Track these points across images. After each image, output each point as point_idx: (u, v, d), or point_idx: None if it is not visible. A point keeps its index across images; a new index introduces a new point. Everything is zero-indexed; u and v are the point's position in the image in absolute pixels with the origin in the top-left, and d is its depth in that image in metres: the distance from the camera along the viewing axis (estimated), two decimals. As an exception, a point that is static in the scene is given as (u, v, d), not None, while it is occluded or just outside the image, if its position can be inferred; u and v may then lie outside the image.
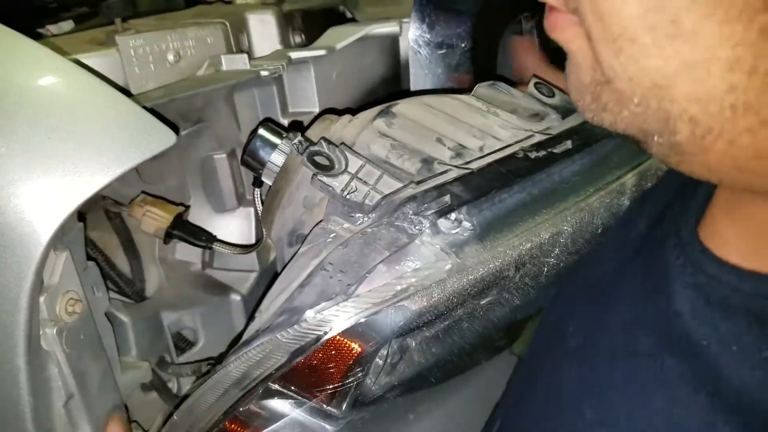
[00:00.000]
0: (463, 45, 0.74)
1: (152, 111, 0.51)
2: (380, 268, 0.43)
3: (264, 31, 0.77)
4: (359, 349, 0.45)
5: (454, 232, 0.44)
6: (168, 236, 0.69)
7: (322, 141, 0.50)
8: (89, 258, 0.56)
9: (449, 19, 0.74)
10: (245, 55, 0.67)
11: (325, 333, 0.43)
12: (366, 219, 0.47)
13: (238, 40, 0.73)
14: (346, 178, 0.48)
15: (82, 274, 0.52)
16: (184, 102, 0.66)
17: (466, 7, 0.74)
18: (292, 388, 0.49)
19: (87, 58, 0.62)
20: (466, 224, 0.44)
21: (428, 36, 0.74)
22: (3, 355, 0.45)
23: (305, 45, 0.82)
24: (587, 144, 0.53)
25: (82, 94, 0.48)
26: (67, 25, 0.89)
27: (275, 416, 0.52)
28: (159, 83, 0.65)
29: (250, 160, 0.60)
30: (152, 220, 0.68)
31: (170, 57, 0.66)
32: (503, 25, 0.81)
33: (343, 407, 0.51)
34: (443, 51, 0.75)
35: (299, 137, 0.55)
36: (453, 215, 0.44)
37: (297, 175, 0.57)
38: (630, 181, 0.54)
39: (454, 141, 0.54)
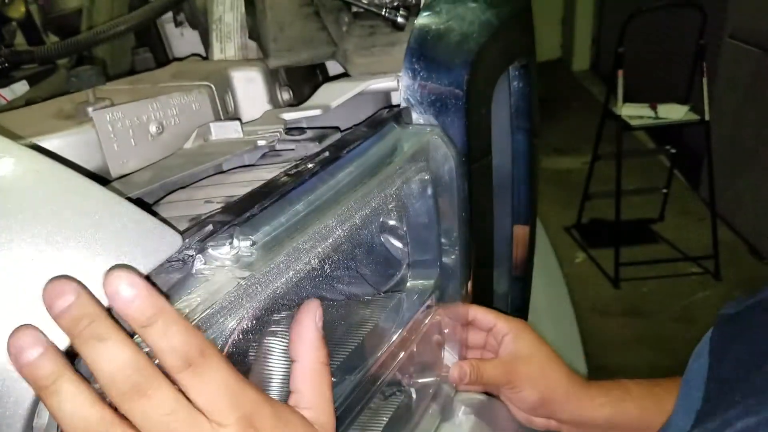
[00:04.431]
0: (456, 98, 0.70)
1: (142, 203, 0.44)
2: None
3: (250, 90, 0.70)
4: None
5: (232, 253, 0.42)
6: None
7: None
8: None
9: (441, 74, 0.69)
10: (237, 123, 0.61)
11: None
12: None
13: (223, 101, 0.67)
14: None
15: (72, 403, 0.44)
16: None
17: (460, 58, 0.70)
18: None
19: (58, 138, 0.54)
20: (244, 243, 0.43)
21: (419, 93, 0.69)
22: None
23: (293, 102, 0.75)
24: (343, 148, 0.56)
25: (69, 201, 0.40)
26: (21, 87, 0.80)
27: None
28: (141, 159, 0.58)
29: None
30: None
31: (153, 129, 0.58)
32: (497, 74, 0.77)
33: None
34: (438, 106, 0.70)
35: None
36: (224, 239, 0.42)
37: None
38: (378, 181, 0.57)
39: (222, 196, 0.53)
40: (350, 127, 0.64)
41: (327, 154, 0.54)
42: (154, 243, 0.41)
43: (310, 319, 0.44)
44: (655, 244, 3.24)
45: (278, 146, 0.62)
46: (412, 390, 0.69)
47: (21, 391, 0.37)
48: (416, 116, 0.69)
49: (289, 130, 0.63)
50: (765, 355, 0.45)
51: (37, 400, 0.39)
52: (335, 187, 0.53)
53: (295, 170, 0.51)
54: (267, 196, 0.46)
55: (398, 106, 0.68)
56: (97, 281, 0.38)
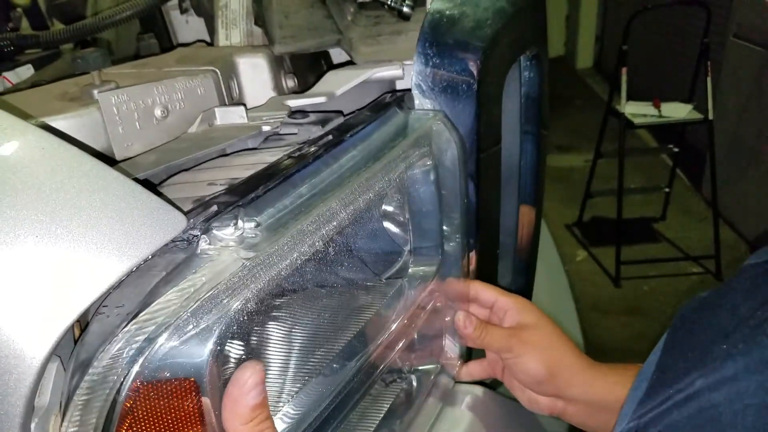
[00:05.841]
0: (468, 85, 0.69)
1: (147, 183, 0.44)
2: (162, 290, 0.39)
3: (255, 76, 0.70)
4: (191, 381, 0.38)
5: (237, 234, 0.42)
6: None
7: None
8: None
9: (454, 60, 0.69)
10: (242, 108, 0.61)
11: (125, 370, 0.36)
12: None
13: (228, 87, 0.67)
14: None
15: (74, 382, 0.44)
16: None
17: (473, 45, 0.69)
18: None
19: (63, 119, 0.54)
20: (249, 224, 0.43)
21: (431, 79, 0.69)
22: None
23: (297, 89, 0.75)
24: (346, 132, 0.56)
25: (74, 179, 0.40)
26: (26, 70, 0.79)
27: None
28: (145, 143, 0.58)
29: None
30: None
31: (158, 113, 0.58)
32: (509, 62, 0.77)
33: None
34: (449, 93, 0.69)
35: None
36: (228, 219, 0.42)
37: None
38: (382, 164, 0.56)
39: (225, 179, 0.53)
40: (353, 112, 0.64)
41: (330, 137, 0.54)
42: (159, 223, 0.40)
43: (238, 392, 0.40)
44: (656, 243, 3.24)
45: (282, 130, 0.62)
46: (413, 377, 0.69)
47: (22, 369, 0.37)
48: (419, 102, 0.69)
49: (292, 114, 0.63)
50: (704, 348, 0.45)
51: (38, 378, 0.39)
52: (339, 171, 0.52)
53: (298, 153, 0.51)
54: (271, 178, 0.46)
55: (401, 91, 0.68)
56: (102, 259, 0.38)
